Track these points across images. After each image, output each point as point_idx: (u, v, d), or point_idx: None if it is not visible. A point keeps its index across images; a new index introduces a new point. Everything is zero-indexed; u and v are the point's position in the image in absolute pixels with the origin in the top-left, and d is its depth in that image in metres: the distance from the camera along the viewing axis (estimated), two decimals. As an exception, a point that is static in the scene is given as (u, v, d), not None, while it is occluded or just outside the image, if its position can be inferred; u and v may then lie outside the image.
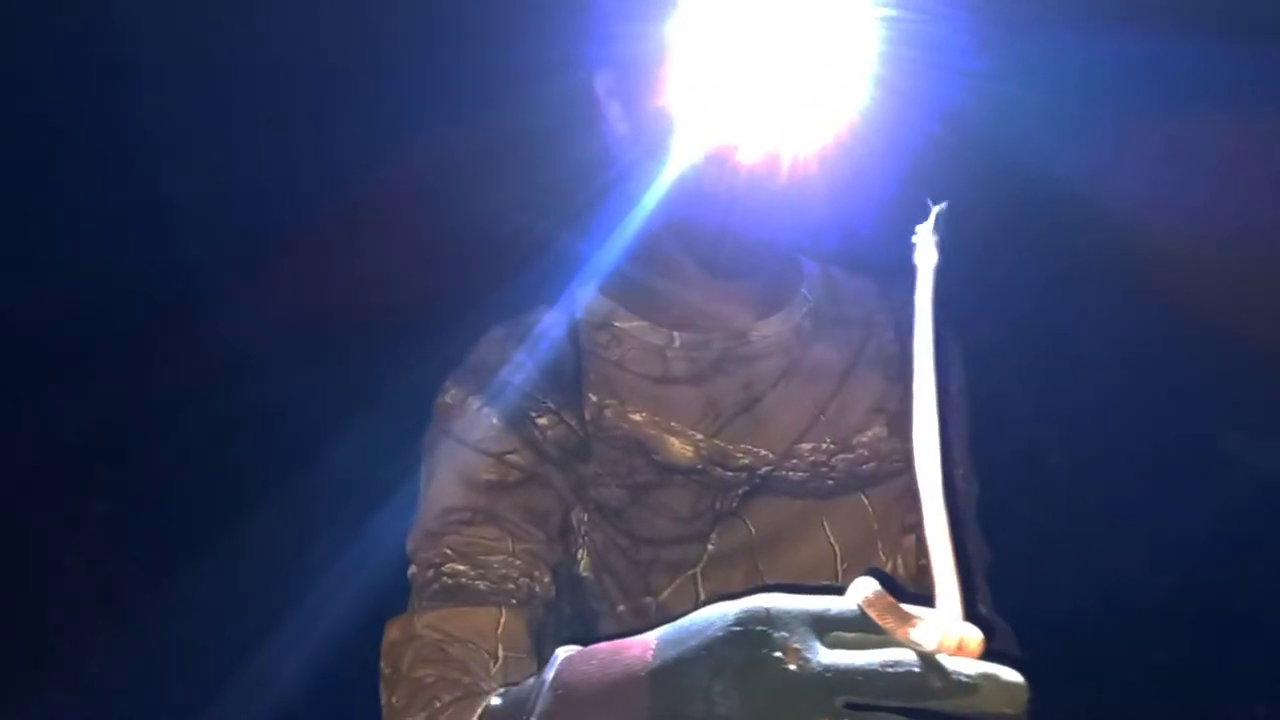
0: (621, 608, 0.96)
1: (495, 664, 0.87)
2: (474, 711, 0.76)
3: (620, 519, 0.96)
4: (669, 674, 0.60)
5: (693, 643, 0.59)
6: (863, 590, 0.57)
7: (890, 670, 0.54)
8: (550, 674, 0.68)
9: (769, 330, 1.01)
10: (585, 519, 0.96)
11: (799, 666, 0.55)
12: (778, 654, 0.56)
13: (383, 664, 0.90)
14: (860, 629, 0.57)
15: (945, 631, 0.54)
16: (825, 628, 0.57)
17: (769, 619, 0.57)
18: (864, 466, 1.00)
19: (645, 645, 0.63)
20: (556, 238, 1.08)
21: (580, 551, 0.97)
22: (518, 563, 0.91)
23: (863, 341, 1.05)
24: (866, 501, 0.99)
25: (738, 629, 0.58)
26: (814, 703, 0.54)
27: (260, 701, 1.85)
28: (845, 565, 0.97)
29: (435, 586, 0.91)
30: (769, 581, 0.96)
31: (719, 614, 0.60)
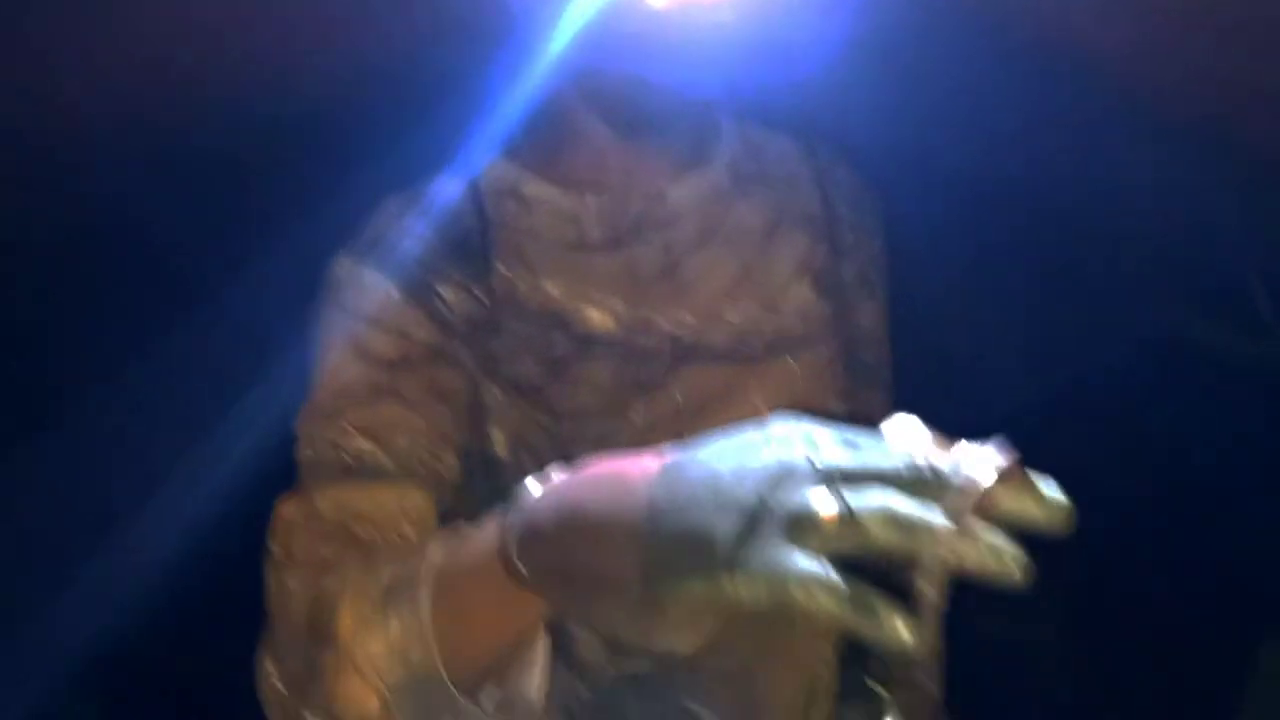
0: None
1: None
2: (426, 546, 0.73)
3: (539, 395, 0.91)
4: (680, 465, 0.57)
5: (712, 441, 0.56)
6: (903, 427, 0.51)
7: (897, 462, 0.49)
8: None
9: (686, 190, 0.95)
10: (500, 397, 0.91)
11: (811, 459, 0.50)
12: (797, 447, 0.51)
13: (272, 545, 0.83)
14: None
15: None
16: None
17: (799, 427, 0.53)
18: (791, 330, 0.96)
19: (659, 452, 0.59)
20: (458, 79, 0.98)
21: (495, 430, 0.92)
22: (424, 442, 0.86)
23: (785, 200, 1.00)
24: (795, 365, 0.96)
25: (769, 428, 0.54)
26: (809, 479, 0.49)
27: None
28: None
29: (335, 465, 0.84)
30: None
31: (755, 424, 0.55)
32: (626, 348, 0.92)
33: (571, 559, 0.60)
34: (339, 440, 0.85)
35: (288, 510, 0.84)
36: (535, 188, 0.94)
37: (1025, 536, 0.48)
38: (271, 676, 0.77)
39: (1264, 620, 1.99)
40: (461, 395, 0.89)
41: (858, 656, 1.01)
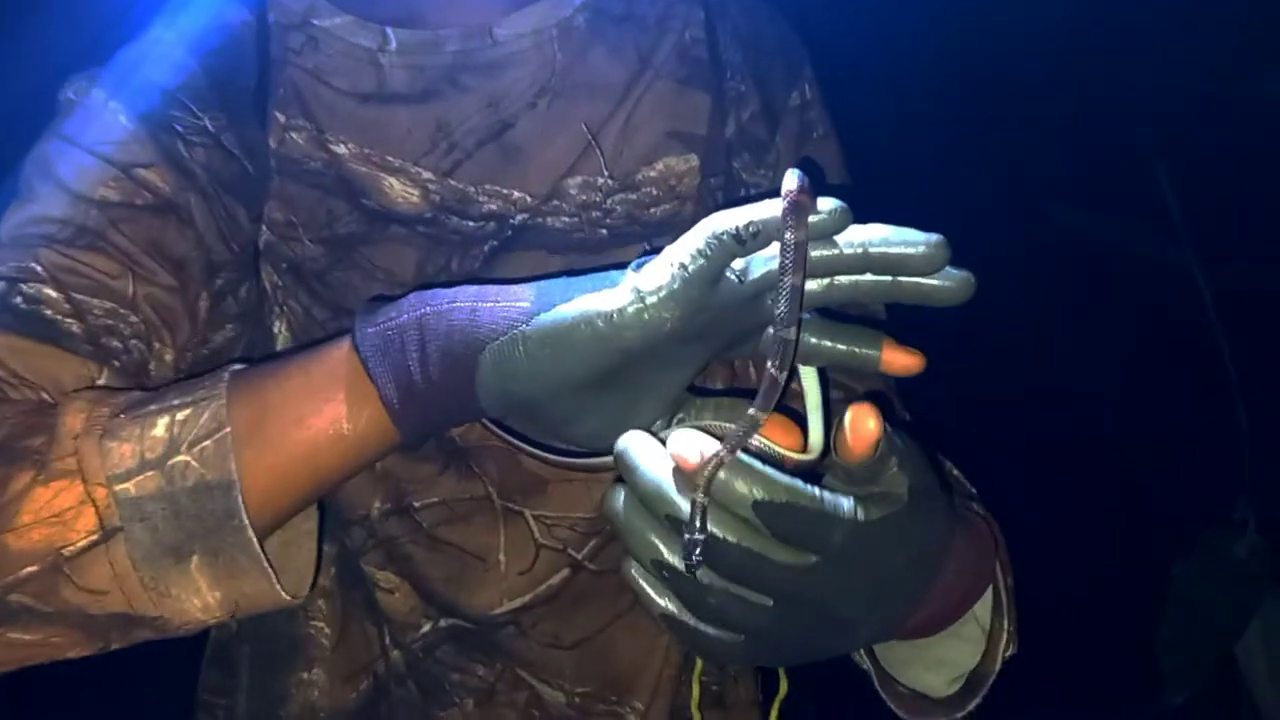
0: None
1: None
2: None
3: (322, 284, 0.72)
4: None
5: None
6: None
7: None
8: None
9: (523, 27, 0.74)
10: (280, 282, 0.72)
11: None
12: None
13: None
14: None
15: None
16: None
17: None
18: (653, 210, 0.76)
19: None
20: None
21: (277, 323, 0.73)
22: (134, 320, 0.65)
23: (654, 44, 0.77)
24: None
25: None
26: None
27: None
28: None
29: (7, 305, 0.62)
30: None
31: None
32: (436, 229, 0.72)
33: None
34: (19, 278, 0.62)
35: None
36: (328, 18, 0.72)
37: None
38: None
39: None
40: (192, 268, 0.68)
41: None
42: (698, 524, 0.44)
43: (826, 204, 0.46)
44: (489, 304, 0.50)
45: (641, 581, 0.47)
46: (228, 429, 0.51)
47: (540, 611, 0.77)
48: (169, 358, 0.66)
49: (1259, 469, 1.83)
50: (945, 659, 0.63)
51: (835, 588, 0.46)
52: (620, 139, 0.75)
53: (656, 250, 0.49)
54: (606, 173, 0.74)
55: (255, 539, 0.52)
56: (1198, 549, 1.80)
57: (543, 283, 0.51)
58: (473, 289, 0.52)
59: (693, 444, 0.44)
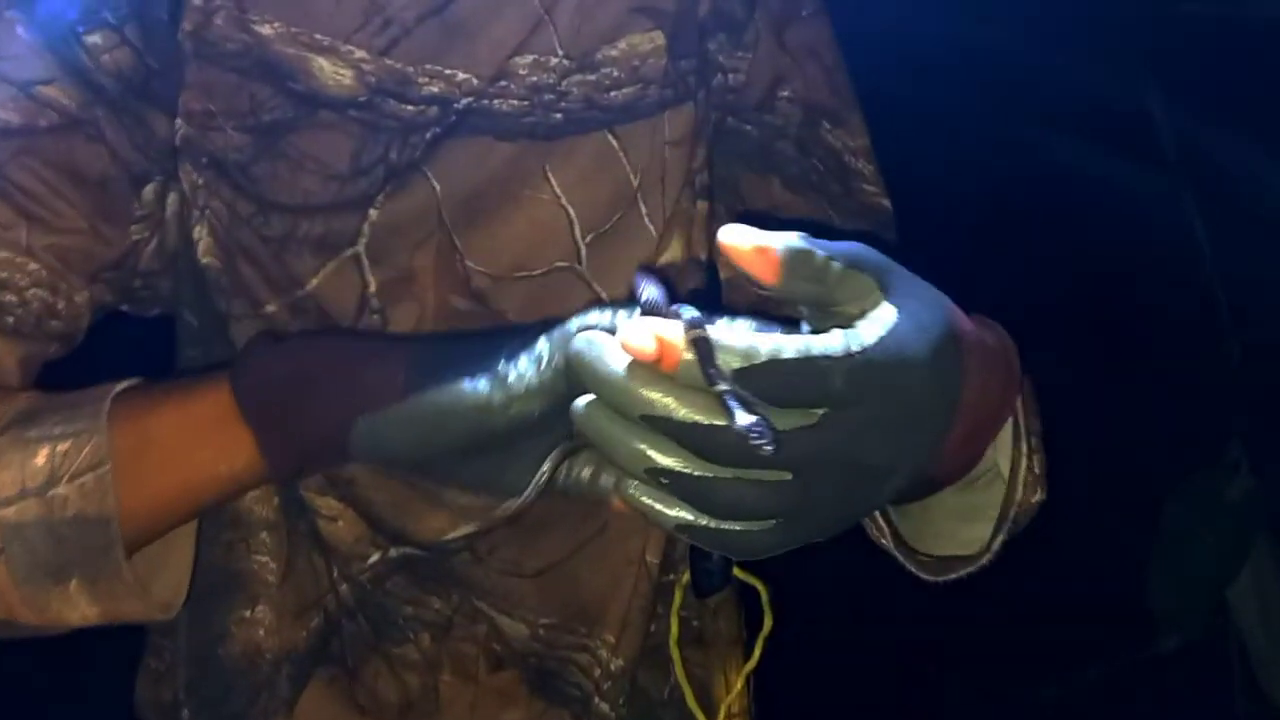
0: (271, 307, 0.67)
1: None
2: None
3: (246, 177, 0.65)
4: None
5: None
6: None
7: None
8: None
9: None
10: (200, 181, 0.66)
11: None
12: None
13: None
14: None
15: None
16: None
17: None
18: (613, 93, 0.69)
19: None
20: None
21: (198, 228, 0.66)
22: (33, 267, 0.61)
23: None
24: (616, 143, 0.69)
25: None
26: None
27: None
28: (589, 237, 0.69)
29: None
30: (473, 264, 0.68)
31: None
32: (371, 115, 0.65)
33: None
34: None
35: None
36: None
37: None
38: None
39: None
40: (115, 185, 0.64)
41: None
42: (736, 404, 0.39)
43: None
44: (363, 371, 0.51)
45: (644, 498, 0.42)
46: (108, 466, 0.53)
47: (498, 537, 0.72)
48: (79, 298, 0.64)
49: (1252, 411, 1.79)
50: (971, 538, 0.60)
51: (853, 435, 0.40)
52: (578, 14, 0.68)
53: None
54: (561, 51, 0.67)
55: (131, 572, 0.54)
56: (1190, 492, 1.77)
57: (418, 350, 0.52)
58: (352, 346, 0.55)
59: (644, 332, 0.40)
